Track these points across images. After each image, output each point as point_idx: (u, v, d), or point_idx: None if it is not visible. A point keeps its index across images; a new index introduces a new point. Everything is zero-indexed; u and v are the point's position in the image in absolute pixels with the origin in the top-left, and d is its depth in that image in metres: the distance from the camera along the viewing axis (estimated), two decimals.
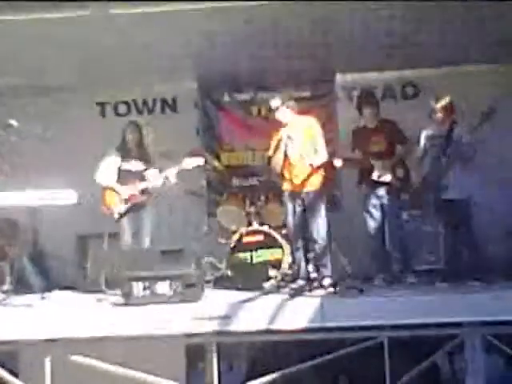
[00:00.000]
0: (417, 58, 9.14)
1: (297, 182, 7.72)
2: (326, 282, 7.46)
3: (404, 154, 8.07)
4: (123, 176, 8.25)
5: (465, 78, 9.35)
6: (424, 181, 7.73)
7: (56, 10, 7.17)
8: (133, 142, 8.37)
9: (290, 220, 7.81)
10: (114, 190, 8.18)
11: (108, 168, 8.26)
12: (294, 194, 7.75)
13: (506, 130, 8.73)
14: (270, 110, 8.00)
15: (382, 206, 8.04)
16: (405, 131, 8.09)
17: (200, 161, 8.23)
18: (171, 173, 8.14)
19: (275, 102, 7.89)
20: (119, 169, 8.27)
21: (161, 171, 8.23)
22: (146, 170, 8.32)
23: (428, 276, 7.98)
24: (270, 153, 7.95)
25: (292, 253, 7.97)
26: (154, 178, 8.24)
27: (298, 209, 7.74)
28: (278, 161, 7.82)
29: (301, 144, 7.72)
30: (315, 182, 7.74)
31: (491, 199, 8.35)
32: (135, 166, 8.32)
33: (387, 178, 7.95)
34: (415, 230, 8.69)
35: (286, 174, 7.78)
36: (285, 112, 7.83)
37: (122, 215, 8.16)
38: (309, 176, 7.72)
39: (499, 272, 7.80)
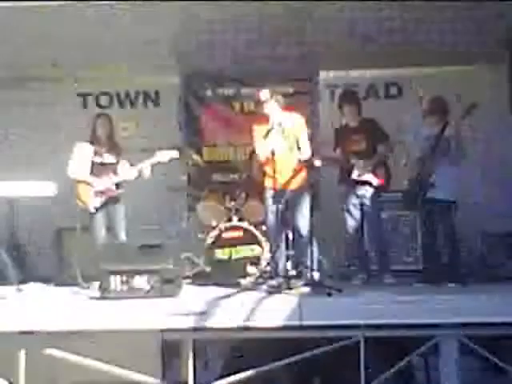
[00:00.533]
0: (400, 58, 9.14)
1: (281, 179, 7.62)
2: (305, 280, 7.45)
3: (385, 154, 8.07)
4: (96, 169, 8.13)
5: (448, 78, 9.38)
6: (414, 180, 7.74)
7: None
8: (104, 134, 8.25)
9: (271, 218, 7.71)
10: (88, 184, 8.08)
11: (80, 161, 8.12)
12: (277, 192, 7.65)
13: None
14: (258, 103, 7.89)
15: (361, 205, 8.05)
16: (387, 130, 8.09)
17: (174, 154, 8.17)
18: (145, 166, 8.10)
19: (264, 95, 7.75)
20: (92, 162, 8.14)
21: (133, 165, 8.17)
22: (117, 162, 8.24)
23: (406, 276, 8.00)
24: (256, 144, 7.81)
25: (271, 250, 7.94)
26: (127, 172, 8.18)
27: (281, 207, 7.65)
28: (264, 151, 7.65)
29: (287, 139, 7.67)
30: (299, 179, 7.71)
31: (469, 198, 8.35)
32: (107, 158, 8.22)
33: (367, 177, 7.96)
34: (394, 231, 8.72)
35: (269, 171, 7.66)
36: (273, 105, 7.71)
37: (97, 209, 8.09)
38: (293, 174, 7.68)
39: (476, 274, 7.83)
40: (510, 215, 8.78)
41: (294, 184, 7.68)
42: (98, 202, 8.07)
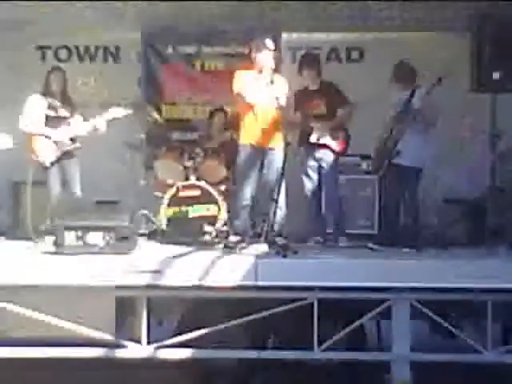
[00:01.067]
0: (362, 21, 9.13)
1: (262, 134, 7.56)
2: (261, 240, 7.44)
3: (344, 117, 8.08)
4: (50, 123, 8.02)
5: (411, 43, 9.40)
6: (383, 147, 7.76)
7: None
8: (58, 88, 8.12)
9: (243, 172, 7.66)
10: (44, 136, 7.96)
11: (33, 114, 7.99)
12: (256, 148, 7.62)
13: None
14: (258, 48, 7.61)
15: (319, 168, 8.07)
16: (348, 94, 8.09)
17: (128, 111, 8.11)
18: (99, 122, 8.01)
19: (269, 43, 7.62)
20: (45, 115, 8.02)
21: (88, 120, 8.08)
22: (71, 117, 8.13)
23: (362, 241, 8.05)
24: (242, 90, 7.53)
25: (233, 208, 7.91)
26: (81, 126, 8.09)
27: (255, 163, 7.63)
28: (254, 98, 7.49)
29: (269, 98, 7.52)
30: (278, 136, 7.66)
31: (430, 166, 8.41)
32: (61, 112, 8.10)
33: (326, 140, 7.97)
34: (352, 194, 8.76)
35: (248, 123, 7.62)
36: (267, 56, 7.58)
37: (52, 164, 8.00)
38: (272, 128, 7.61)
39: (432, 240, 7.92)
40: (467, 183, 8.87)
41: (274, 141, 7.62)
42: (53, 156, 7.97)
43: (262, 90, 7.48)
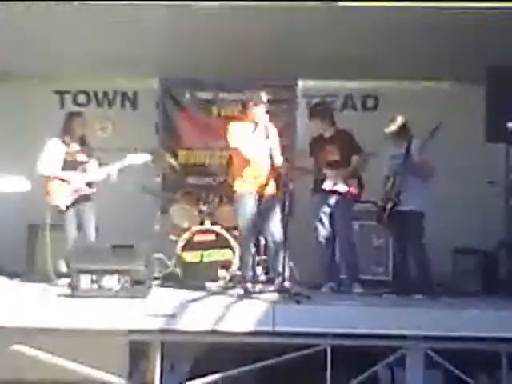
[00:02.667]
0: (378, 70, 9.21)
1: (258, 184, 7.60)
2: (274, 286, 7.47)
3: (358, 165, 8.13)
4: (67, 167, 8.11)
5: (424, 93, 9.49)
6: (385, 197, 7.83)
7: None
8: (77, 132, 8.23)
9: (246, 222, 7.66)
10: (62, 181, 8.04)
11: (51, 158, 8.08)
12: (254, 196, 7.65)
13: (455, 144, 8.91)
14: (252, 102, 7.68)
15: (332, 214, 8.11)
16: (363, 142, 8.16)
17: (146, 157, 8.20)
18: (113, 168, 8.11)
19: (265, 96, 7.71)
20: (64, 160, 8.12)
21: (103, 165, 8.19)
22: (87, 162, 8.22)
23: (375, 287, 8.06)
24: (238, 143, 7.59)
25: (242, 255, 7.95)
26: (96, 172, 8.18)
27: (254, 211, 7.67)
28: (251, 151, 7.54)
29: (267, 145, 7.64)
30: (273, 186, 7.71)
31: (441, 215, 8.43)
32: (78, 157, 8.21)
33: (339, 187, 8.01)
34: (365, 241, 8.77)
35: (248, 174, 7.64)
36: (263, 110, 7.67)
37: (68, 207, 8.07)
38: (267, 180, 7.68)
39: (445, 288, 7.92)
40: (479, 232, 8.87)
41: (269, 190, 7.68)
42: (69, 200, 8.05)
43: (258, 142, 7.56)
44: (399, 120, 7.84)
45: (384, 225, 8.07)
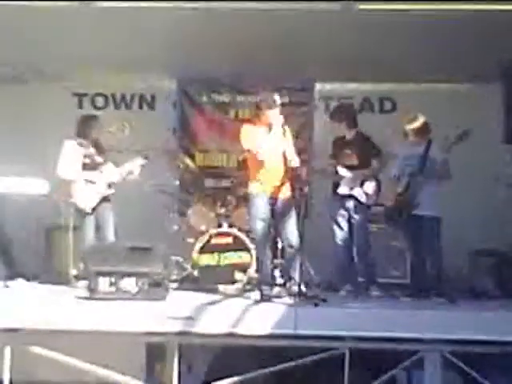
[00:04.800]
0: (395, 72, 9.19)
1: (272, 186, 7.58)
2: (291, 289, 7.45)
3: (377, 168, 8.11)
4: (86, 169, 8.16)
5: (442, 95, 9.46)
6: (399, 198, 7.79)
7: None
8: (92, 135, 8.28)
9: (260, 225, 7.63)
10: (84, 182, 8.07)
11: (71, 160, 8.11)
12: (268, 199, 7.62)
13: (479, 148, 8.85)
14: (266, 104, 7.64)
15: (350, 217, 8.09)
16: (381, 145, 8.14)
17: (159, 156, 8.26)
18: (134, 165, 8.15)
19: (278, 98, 7.66)
20: (82, 162, 8.16)
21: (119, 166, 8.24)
22: (104, 163, 8.27)
23: (392, 290, 8.04)
24: (252, 144, 7.55)
25: (257, 257, 7.94)
26: (116, 172, 8.23)
27: (268, 213, 7.64)
28: (266, 153, 7.48)
29: (281, 147, 7.62)
30: (288, 188, 7.70)
31: (459, 217, 8.39)
32: (96, 158, 8.25)
33: (356, 190, 7.99)
34: (382, 244, 8.74)
35: (259, 176, 7.64)
36: (277, 112, 7.64)
37: (94, 209, 8.10)
38: (282, 182, 7.67)
39: (462, 290, 7.89)
40: (496, 234, 8.83)
41: (284, 193, 7.66)
42: (94, 202, 8.09)
43: (272, 145, 7.53)
44: (421, 119, 7.80)
45: (398, 227, 8.05)
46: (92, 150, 8.23)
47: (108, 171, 8.22)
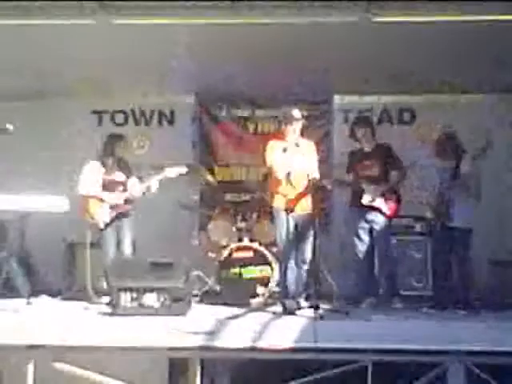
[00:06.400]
0: (414, 84, 9.17)
1: (294, 200, 7.60)
2: (313, 303, 7.43)
3: (397, 180, 8.10)
4: (106, 186, 8.26)
5: (461, 106, 9.44)
6: (434, 212, 7.80)
7: (60, 18, 7.21)
8: (117, 154, 8.38)
9: (285, 239, 7.62)
10: (99, 199, 8.18)
11: (91, 178, 8.24)
12: (291, 213, 7.62)
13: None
14: (285, 120, 7.78)
15: (371, 230, 8.07)
16: (400, 156, 8.14)
17: (182, 169, 8.26)
18: (153, 181, 8.19)
19: (297, 113, 7.78)
20: (103, 179, 8.26)
21: (143, 181, 8.30)
22: (127, 180, 8.37)
23: (415, 302, 8.01)
24: (274, 160, 7.66)
25: (281, 271, 7.93)
26: (135, 188, 8.29)
27: (292, 228, 7.64)
28: (284, 169, 7.56)
29: (302, 161, 7.66)
30: (308, 203, 7.67)
31: (479, 227, 8.36)
32: (117, 176, 8.36)
33: (378, 202, 7.98)
34: (404, 256, 8.72)
35: (284, 190, 7.65)
36: (298, 126, 7.74)
37: (107, 225, 8.17)
38: (302, 197, 7.65)
39: (484, 302, 7.84)
40: None
41: (305, 207, 7.66)
42: (107, 217, 8.16)
43: (293, 160, 7.56)
44: (448, 135, 7.83)
45: (434, 240, 8.05)
46: (114, 168, 8.34)
47: (129, 187, 8.28)
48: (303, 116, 7.83)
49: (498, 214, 9.16)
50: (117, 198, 8.24)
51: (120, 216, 8.27)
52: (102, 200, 8.20)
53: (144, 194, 8.29)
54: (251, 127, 10.25)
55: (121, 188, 8.31)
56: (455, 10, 7.02)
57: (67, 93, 9.61)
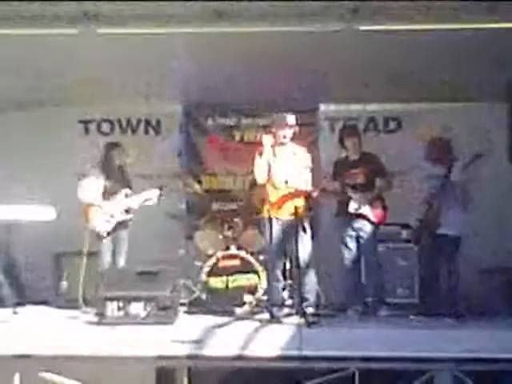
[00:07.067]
0: (400, 92, 9.20)
1: (285, 207, 7.63)
2: (300, 310, 7.43)
3: (382, 188, 8.12)
4: (106, 195, 8.27)
5: (448, 114, 9.47)
6: (423, 219, 7.83)
7: (46, 27, 7.20)
8: (116, 162, 8.43)
9: (274, 247, 7.65)
10: (101, 208, 8.18)
11: (92, 186, 8.25)
12: (281, 220, 7.66)
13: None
14: (279, 124, 7.84)
15: (358, 237, 8.09)
16: (386, 164, 8.17)
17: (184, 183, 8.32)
18: (153, 194, 8.19)
19: (291, 119, 7.82)
20: (103, 188, 8.27)
21: (140, 192, 8.29)
22: (126, 190, 8.35)
23: (401, 309, 8.03)
24: (264, 167, 7.70)
25: (268, 279, 7.94)
26: (134, 198, 8.28)
27: (281, 235, 7.68)
28: (278, 177, 7.64)
29: (292, 169, 7.70)
30: (301, 209, 7.64)
31: (467, 236, 8.39)
32: (118, 186, 8.36)
33: (364, 210, 8.00)
34: (391, 264, 8.73)
35: (274, 198, 7.68)
36: (291, 133, 7.79)
37: (109, 233, 8.18)
38: (296, 203, 7.63)
39: (472, 309, 7.86)
40: (505, 253, 8.82)
41: (297, 213, 7.63)
42: (109, 226, 8.18)
43: (281, 166, 7.61)
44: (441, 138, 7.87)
45: (421, 247, 8.07)
46: (114, 177, 8.38)
47: (129, 197, 8.33)
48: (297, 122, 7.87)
49: (497, 217, 9.18)
50: (116, 207, 8.25)
51: (119, 226, 8.31)
52: (102, 209, 8.21)
53: (141, 205, 8.32)
54: (238, 136, 10.26)
55: (121, 198, 8.32)
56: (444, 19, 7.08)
57: (53, 103, 9.60)
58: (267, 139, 7.68)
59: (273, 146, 7.70)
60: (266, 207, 7.74)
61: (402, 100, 9.63)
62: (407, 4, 6.89)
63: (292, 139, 7.88)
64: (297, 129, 7.90)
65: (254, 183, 9.16)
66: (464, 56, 7.89)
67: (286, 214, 7.64)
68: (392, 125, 10.12)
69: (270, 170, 7.65)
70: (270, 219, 7.65)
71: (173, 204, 9.11)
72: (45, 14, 7.03)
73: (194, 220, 9.42)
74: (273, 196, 7.72)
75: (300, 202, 7.69)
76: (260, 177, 7.69)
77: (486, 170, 8.11)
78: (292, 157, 7.72)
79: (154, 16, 7.12)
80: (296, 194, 7.67)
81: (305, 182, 7.69)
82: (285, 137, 7.78)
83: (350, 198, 8.03)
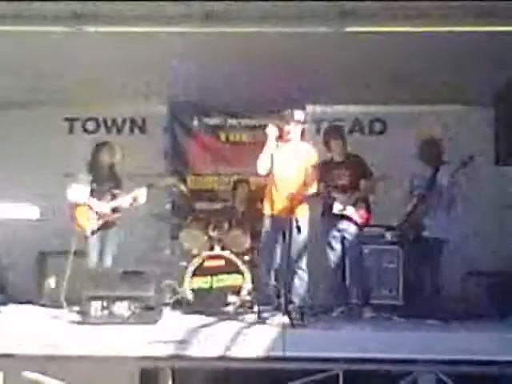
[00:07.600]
0: (386, 95, 9.22)
1: (284, 205, 7.51)
2: (285, 311, 7.41)
3: (367, 189, 8.13)
4: (95, 195, 8.23)
5: (434, 117, 9.49)
6: (407, 219, 7.84)
7: (29, 24, 7.17)
8: (106, 162, 8.38)
9: (269, 246, 7.61)
10: (89, 207, 8.14)
11: (80, 186, 8.20)
12: (279, 218, 7.55)
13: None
14: (286, 119, 7.69)
15: (342, 239, 8.09)
16: (370, 166, 8.18)
17: (170, 181, 8.30)
18: (141, 193, 8.17)
19: (298, 115, 7.74)
20: (91, 188, 8.23)
21: (127, 191, 8.26)
22: (115, 189, 8.34)
23: (385, 311, 8.04)
24: (263, 162, 7.55)
25: (255, 279, 7.90)
26: (123, 198, 8.25)
27: (274, 234, 7.61)
28: (282, 172, 7.53)
29: (294, 169, 7.64)
30: (301, 209, 7.57)
31: (453, 238, 8.41)
32: (106, 185, 8.33)
33: (349, 211, 8.00)
34: (375, 266, 8.75)
35: (271, 197, 7.58)
36: (297, 130, 7.72)
37: (93, 232, 8.15)
38: (296, 202, 7.52)
39: (456, 312, 7.89)
40: (491, 256, 8.86)
41: (296, 213, 7.48)
42: (94, 225, 8.14)
43: (286, 161, 7.56)
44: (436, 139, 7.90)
45: (406, 249, 8.09)
46: (103, 176, 8.35)
47: (118, 196, 8.33)
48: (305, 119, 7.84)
49: (471, 225, 9.20)
50: (104, 207, 8.22)
51: (106, 226, 8.27)
52: (89, 208, 8.16)
53: (131, 204, 8.29)
54: (223, 136, 10.25)
55: (108, 197, 8.29)
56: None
57: (38, 101, 9.57)
58: (271, 130, 7.57)
59: (278, 141, 7.63)
60: (268, 203, 7.63)
61: (387, 102, 9.64)
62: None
63: (300, 136, 7.78)
64: (305, 126, 7.86)
65: (237, 183, 9.21)
66: (451, 61, 7.93)
67: (281, 212, 7.58)
68: (377, 127, 10.13)
69: (272, 164, 7.56)
70: (268, 217, 7.63)
71: (158, 204, 9.08)
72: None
73: (179, 220, 9.39)
74: (270, 193, 7.64)
75: (297, 202, 7.63)
76: (261, 167, 7.62)
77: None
78: (295, 155, 7.64)
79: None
80: (293, 193, 7.60)
81: (305, 181, 7.61)
82: (289, 133, 7.69)
83: (334, 200, 8.03)
